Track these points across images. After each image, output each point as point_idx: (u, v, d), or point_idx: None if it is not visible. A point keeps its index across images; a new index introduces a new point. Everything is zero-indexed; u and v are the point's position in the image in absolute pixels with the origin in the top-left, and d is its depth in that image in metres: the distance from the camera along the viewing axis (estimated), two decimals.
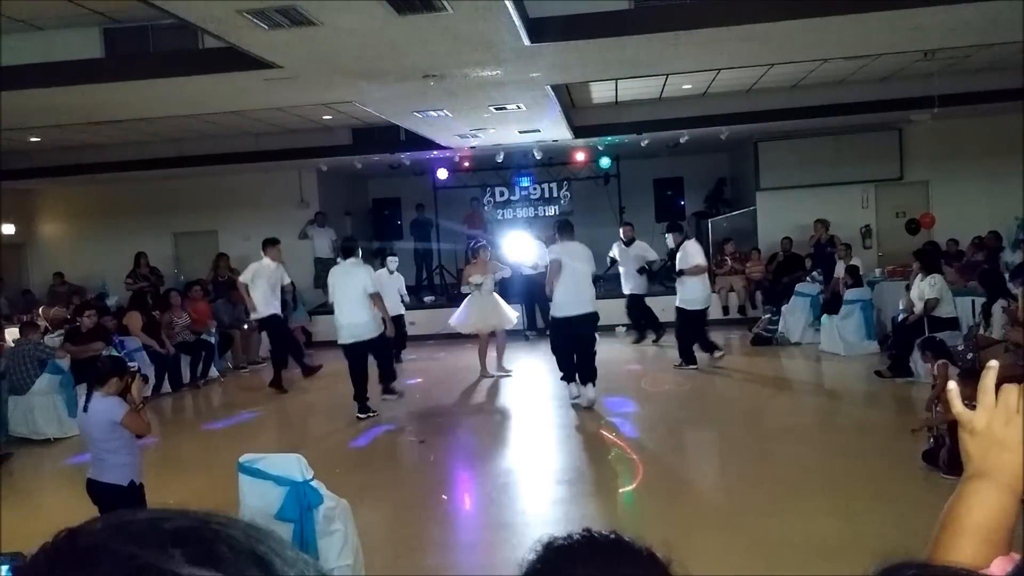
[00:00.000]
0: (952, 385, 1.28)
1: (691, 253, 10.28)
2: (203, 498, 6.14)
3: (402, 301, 12.09)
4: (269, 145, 13.97)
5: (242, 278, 10.38)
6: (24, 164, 14.28)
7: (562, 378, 8.74)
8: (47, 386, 8.50)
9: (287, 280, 10.97)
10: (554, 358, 8.73)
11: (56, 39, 7.51)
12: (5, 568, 2.99)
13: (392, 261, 11.69)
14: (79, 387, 8.01)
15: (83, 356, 8.94)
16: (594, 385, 8.44)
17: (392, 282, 11.43)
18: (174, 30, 7.14)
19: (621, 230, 12.97)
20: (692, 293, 10.21)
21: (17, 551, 2.00)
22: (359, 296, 8.54)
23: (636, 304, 12.63)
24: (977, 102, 12.27)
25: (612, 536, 1.01)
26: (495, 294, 10.53)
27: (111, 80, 7.77)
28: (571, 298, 8.36)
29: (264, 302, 10.20)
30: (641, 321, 12.77)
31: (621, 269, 12.56)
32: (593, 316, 8.50)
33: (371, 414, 8.57)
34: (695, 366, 10.18)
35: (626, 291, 12.59)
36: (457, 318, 10.52)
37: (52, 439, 8.37)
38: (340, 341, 8.73)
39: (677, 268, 10.39)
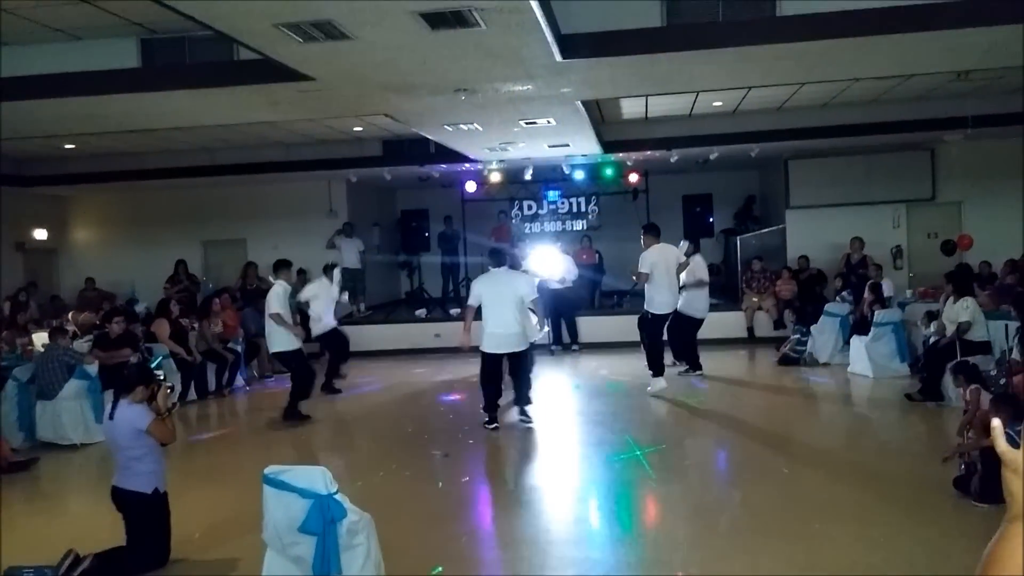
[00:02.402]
0: (996, 423, 1.25)
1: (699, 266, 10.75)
2: (227, 509, 6.18)
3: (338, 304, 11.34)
4: (300, 156, 14.12)
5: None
6: (58, 170, 14.55)
7: (655, 373, 9.62)
8: (75, 391, 8.56)
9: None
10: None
11: (94, 48, 7.62)
12: None
13: (337, 273, 11.02)
14: (106, 393, 8.10)
15: (111, 362, 9.02)
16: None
17: (330, 292, 10.65)
18: (210, 41, 7.23)
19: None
20: (700, 302, 10.65)
21: (45, 564, 2.03)
22: (516, 305, 8.21)
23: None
24: (1011, 123, 12.11)
25: None
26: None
27: (148, 90, 7.89)
28: (669, 297, 9.63)
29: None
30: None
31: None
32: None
33: (496, 425, 8.33)
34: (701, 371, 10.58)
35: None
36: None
37: (79, 444, 8.43)
38: (486, 349, 8.30)
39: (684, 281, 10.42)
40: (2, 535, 5.57)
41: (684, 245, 10.90)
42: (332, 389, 10.70)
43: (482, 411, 8.43)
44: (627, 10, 6.85)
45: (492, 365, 8.33)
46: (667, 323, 10.00)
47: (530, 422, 8.44)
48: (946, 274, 9.99)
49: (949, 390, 8.59)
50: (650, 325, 9.84)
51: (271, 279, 9.86)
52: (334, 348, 10.94)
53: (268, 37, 5.94)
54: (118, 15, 6.99)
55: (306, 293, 10.43)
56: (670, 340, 10.71)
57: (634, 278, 10.24)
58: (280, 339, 9.31)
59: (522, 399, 8.55)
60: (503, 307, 8.14)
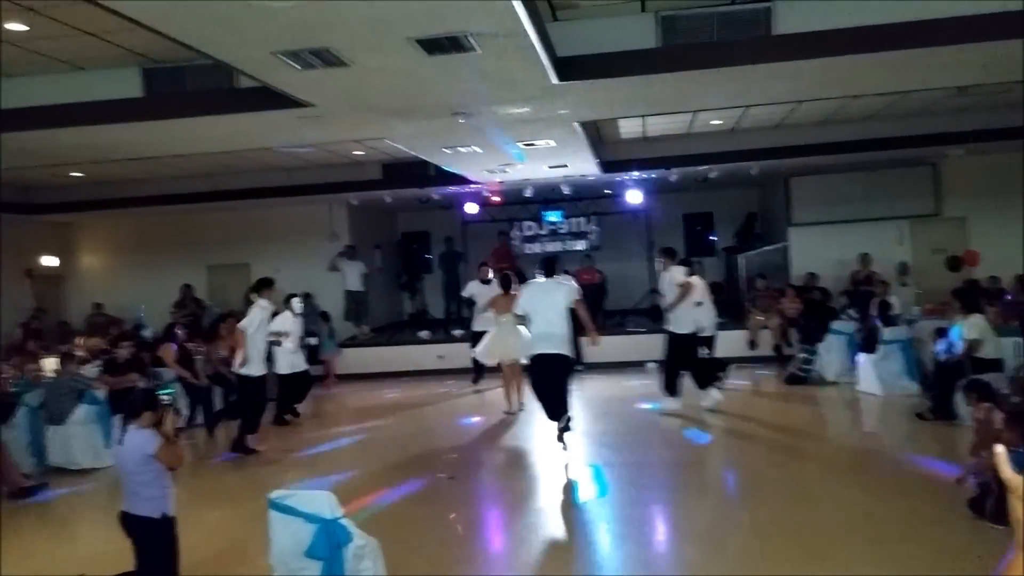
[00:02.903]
0: (1000, 448, 1.25)
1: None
2: (235, 533, 6.19)
3: (305, 346, 10.98)
4: (301, 180, 14.21)
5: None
6: (65, 198, 14.67)
7: (670, 393, 9.81)
8: (84, 417, 8.61)
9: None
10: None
11: (98, 79, 7.73)
12: None
13: (297, 303, 10.30)
14: (115, 418, 8.13)
15: (119, 387, 9.05)
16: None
17: (295, 327, 10.13)
18: (210, 70, 7.32)
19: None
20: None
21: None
22: (560, 310, 8.30)
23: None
24: (1013, 137, 12.11)
25: None
26: (519, 326, 10.43)
27: (150, 118, 7.99)
28: (694, 317, 9.74)
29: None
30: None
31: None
32: None
33: (565, 443, 8.19)
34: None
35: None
36: (480, 349, 10.48)
37: (88, 469, 8.46)
38: (535, 351, 8.30)
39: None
40: (14, 560, 5.61)
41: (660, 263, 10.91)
42: (283, 421, 10.43)
43: (555, 424, 8.22)
44: (623, 32, 6.92)
45: (542, 369, 8.27)
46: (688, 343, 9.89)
47: (566, 434, 8.21)
48: (953, 290, 9.94)
49: (961, 408, 8.47)
50: (677, 345, 9.85)
51: (253, 297, 9.22)
52: (295, 391, 10.51)
53: (267, 65, 6.02)
54: (121, 46, 7.09)
55: (279, 325, 9.68)
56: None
57: (665, 300, 10.06)
58: (252, 363, 8.91)
59: (553, 411, 8.26)
60: (548, 312, 8.26)
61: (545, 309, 8.27)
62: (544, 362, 8.20)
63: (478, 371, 12.42)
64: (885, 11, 6.58)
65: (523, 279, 10.53)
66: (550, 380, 8.20)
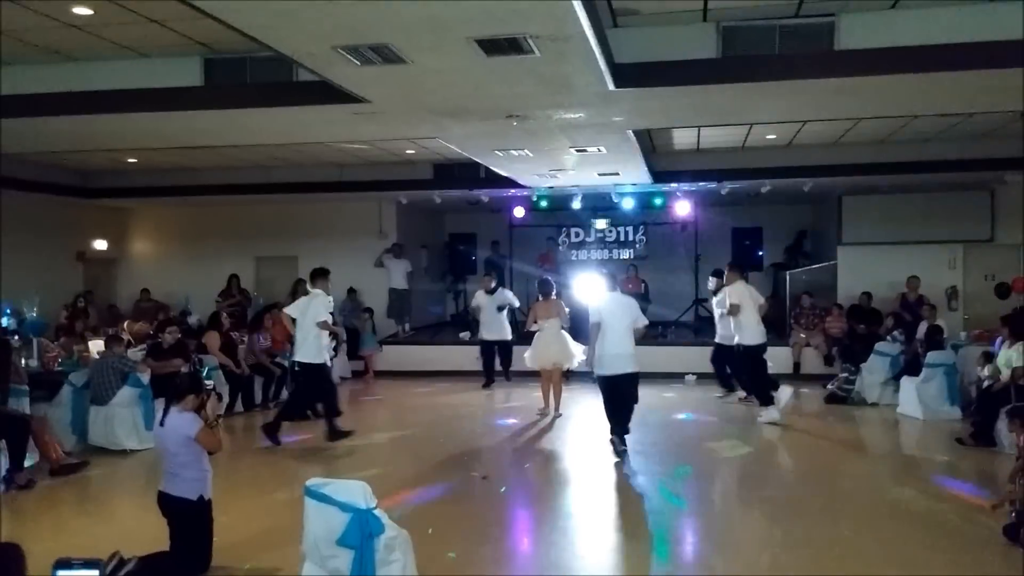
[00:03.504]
0: None
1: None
2: (268, 519, 6.26)
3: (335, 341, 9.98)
4: (353, 176, 14.36)
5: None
6: (121, 184, 14.98)
7: (763, 399, 10.08)
8: (127, 399, 8.76)
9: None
10: None
11: (159, 67, 7.86)
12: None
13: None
14: (157, 401, 8.27)
15: (163, 372, 9.20)
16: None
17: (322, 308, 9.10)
18: (270, 62, 7.41)
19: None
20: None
21: (96, 557, 2.10)
22: (629, 327, 8.36)
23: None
24: None
25: None
26: (563, 332, 10.50)
27: (209, 108, 8.10)
28: (759, 328, 10.04)
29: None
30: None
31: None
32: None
33: (624, 449, 8.29)
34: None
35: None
36: (528, 355, 10.64)
37: (129, 450, 8.61)
38: (605, 372, 8.31)
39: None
40: (50, 535, 5.72)
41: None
42: (275, 437, 9.01)
43: (612, 437, 8.42)
44: (683, 41, 6.86)
45: (619, 388, 8.36)
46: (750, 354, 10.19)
47: (623, 449, 8.31)
48: (1002, 317, 9.78)
49: (1002, 436, 8.38)
50: (745, 357, 10.17)
51: (309, 288, 9.24)
52: (313, 388, 9.26)
53: (327, 59, 6.08)
54: (183, 34, 7.20)
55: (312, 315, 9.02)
56: (736, 372, 10.94)
57: (724, 311, 10.43)
58: (308, 350, 8.92)
59: (622, 427, 8.42)
60: (620, 328, 8.32)
61: (618, 324, 8.32)
62: (622, 382, 8.32)
63: (489, 374, 13.09)
64: (950, 30, 6.44)
65: (545, 287, 10.73)
66: (626, 399, 8.39)
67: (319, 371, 9.03)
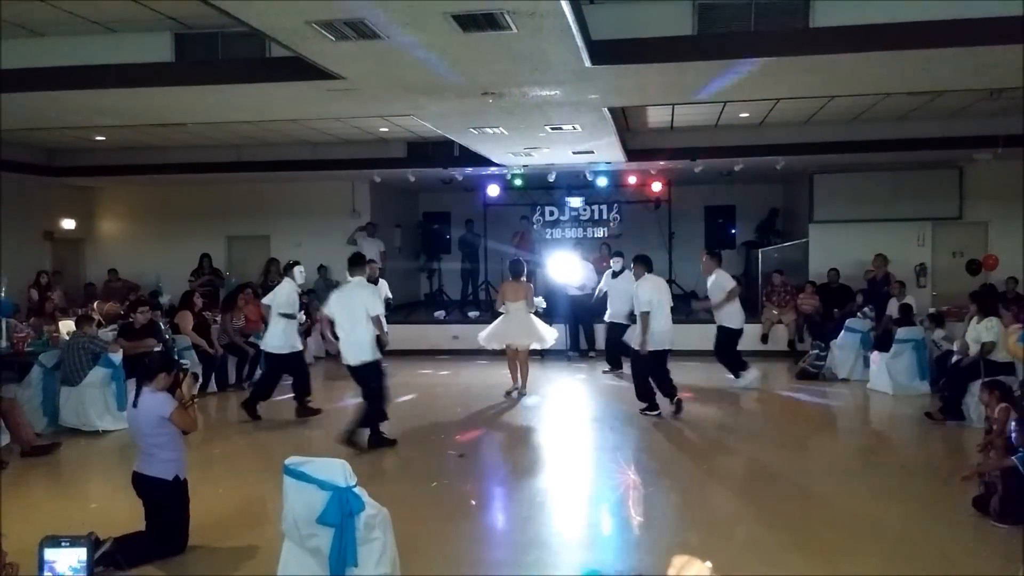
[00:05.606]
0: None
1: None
2: (244, 499, 6.23)
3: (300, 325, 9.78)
4: (325, 155, 14.22)
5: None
6: (88, 162, 14.72)
7: (738, 372, 10.74)
8: (99, 379, 8.66)
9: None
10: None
11: (129, 42, 7.71)
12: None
13: (299, 272, 9.52)
14: (129, 381, 8.20)
15: (135, 352, 9.10)
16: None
17: (293, 298, 9.44)
18: (243, 37, 7.30)
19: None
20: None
21: (88, 532, 2.09)
22: (667, 304, 9.17)
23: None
24: None
25: None
26: (531, 315, 10.44)
27: (180, 84, 7.96)
28: (740, 314, 10.62)
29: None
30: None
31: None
32: None
33: (658, 412, 9.06)
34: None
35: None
36: (484, 334, 10.55)
37: (101, 431, 8.53)
38: (658, 347, 8.99)
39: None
40: (23, 515, 5.67)
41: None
42: (254, 413, 9.23)
43: (646, 406, 9.14)
44: (659, 18, 6.84)
45: (662, 361, 9.16)
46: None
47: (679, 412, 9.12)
48: (971, 293, 9.93)
49: (970, 410, 8.55)
50: (732, 337, 10.73)
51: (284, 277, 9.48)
52: (290, 372, 9.43)
53: (301, 34, 5.99)
54: (154, 9, 7.07)
55: (281, 299, 9.32)
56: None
57: (713, 300, 10.74)
58: (278, 339, 9.22)
59: (674, 389, 9.22)
60: (667, 308, 9.17)
61: (666, 303, 9.17)
62: (667, 355, 9.19)
63: None
64: (924, 8, 6.48)
65: (516, 267, 10.59)
66: (666, 369, 9.24)
67: (288, 359, 9.31)
